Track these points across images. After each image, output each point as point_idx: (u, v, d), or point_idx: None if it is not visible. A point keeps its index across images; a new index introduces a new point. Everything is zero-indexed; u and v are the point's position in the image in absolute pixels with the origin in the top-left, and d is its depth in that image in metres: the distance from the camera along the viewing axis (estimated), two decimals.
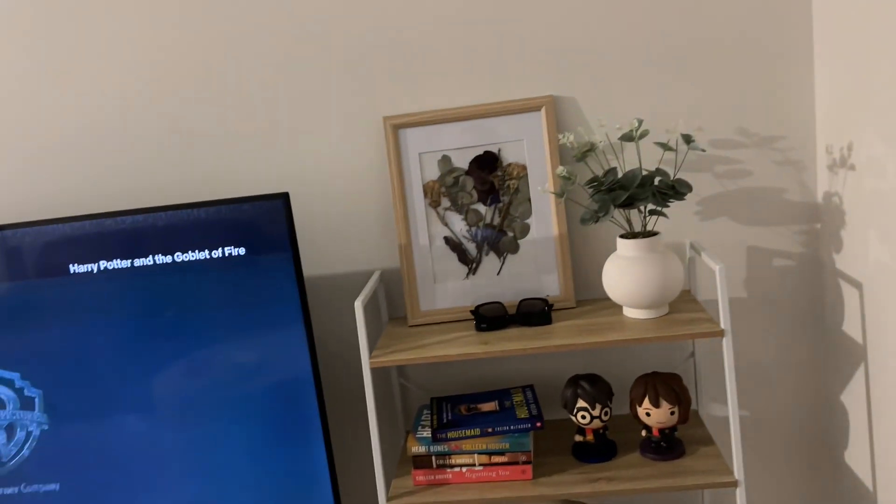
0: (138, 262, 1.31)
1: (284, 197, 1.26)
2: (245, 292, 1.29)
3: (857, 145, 1.23)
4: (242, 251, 1.28)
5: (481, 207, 1.44)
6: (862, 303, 1.28)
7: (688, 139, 1.26)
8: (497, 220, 1.44)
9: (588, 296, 1.46)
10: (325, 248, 1.49)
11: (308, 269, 1.50)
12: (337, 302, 1.51)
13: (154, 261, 1.30)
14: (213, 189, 1.48)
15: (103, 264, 1.31)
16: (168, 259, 1.30)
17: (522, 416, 1.33)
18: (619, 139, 1.31)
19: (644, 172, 1.26)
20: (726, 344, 1.21)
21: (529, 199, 1.42)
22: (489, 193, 1.43)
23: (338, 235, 1.48)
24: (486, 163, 1.43)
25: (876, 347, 1.25)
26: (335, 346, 1.53)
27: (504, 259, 1.44)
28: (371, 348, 1.31)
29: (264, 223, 1.27)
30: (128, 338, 1.33)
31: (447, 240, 1.44)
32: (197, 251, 1.29)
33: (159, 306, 1.32)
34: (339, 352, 1.53)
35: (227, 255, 1.28)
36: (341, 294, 1.50)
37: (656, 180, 1.26)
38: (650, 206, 1.27)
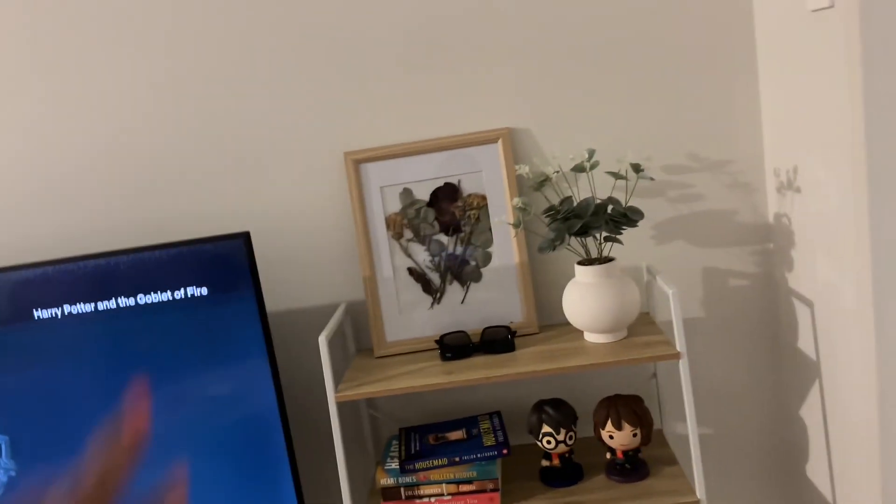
0: (102, 306, 1.31)
1: (245, 236, 1.28)
2: (209, 332, 1.30)
3: (801, 169, 1.28)
4: (205, 291, 1.29)
5: (443, 238, 1.46)
6: (813, 320, 1.31)
7: (637, 168, 1.29)
8: (459, 250, 1.46)
9: (551, 320, 1.49)
10: (290, 282, 1.51)
11: (274, 304, 1.51)
12: (304, 336, 1.52)
13: (118, 304, 1.31)
14: (177, 229, 1.49)
15: (67, 308, 1.32)
16: (131, 301, 1.30)
17: (489, 443, 1.34)
18: (571, 170, 1.34)
19: (598, 201, 1.29)
20: (683, 366, 1.24)
21: (490, 229, 1.45)
22: (451, 224, 1.46)
23: (303, 269, 1.50)
24: (447, 194, 1.46)
25: (828, 363, 1.29)
26: (304, 380, 1.54)
27: (467, 287, 1.47)
28: (338, 381, 1.32)
29: (226, 263, 1.28)
30: (94, 381, 1.34)
31: (411, 270, 1.47)
32: (160, 293, 1.30)
33: (124, 348, 1.32)
34: (309, 385, 1.54)
35: (189, 295, 1.30)
36: (308, 328, 1.52)
37: (609, 208, 1.29)
38: (604, 234, 1.31)
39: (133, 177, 1.48)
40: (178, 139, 1.47)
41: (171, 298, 1.30)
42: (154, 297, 1.30)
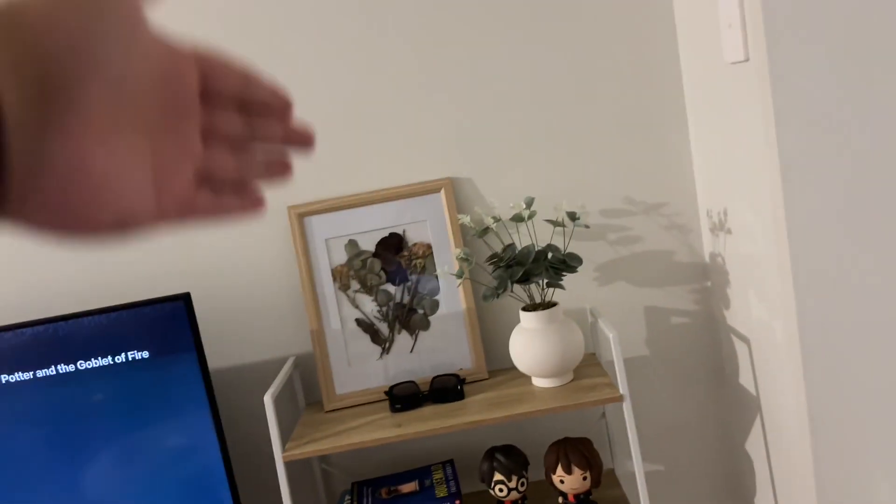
0: (41, 373, 1.28)
1: (186, 297, 1.27)
2: (151, 395, 1.28)
3: (731, 211, 1.33)
4: (146, 354, 1.28)
5: (390, 287, 1.47)
6: (751, 356, 1.35)
7: (572, 216, 1.33)
8: (407, 299, 1.47)
9: (500, 365, 1.50)
10: (236, 339, 1.49)
11: (220, 362, 1.50)
12: (252, 392, 1.51)
13: (57, 370, 1.28)
14: (116, 292, 1.47)
15: (4, 378, 1.28)
16: (71, 367, 1.28)
17: (442, 494, 1.34)
18: (510, 219, 1.37)
19: (537, 248, 1.32)
20: (626, 408, 1.26)
21: (437, 277, 1.47)
22: (397, 273, 1.47)
23: (249, 325, 1.49)
24: (393, 244, 1.47)
25: (766, 397, 1.32)
26: (254, 438, 1.52)
27: (416, 336, 1.48)
28: (287, 438, 1.31)
29: (167, 325, 1.27)
30: (35, 448, 1.30)
31: (359, 321, 1.47)
32: (100, 358, 1.28)
33: (65, 415, 1.29)
34: (259, 443, 1.52)
35: (130, 359, 1.28)
36: (256, 384, 1.50)
37: (549, 255, 1.32)
38: (546, 280, 1.33)
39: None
40: None
41: (111, 363, 1.28)
42: (94, 363, 1.28)
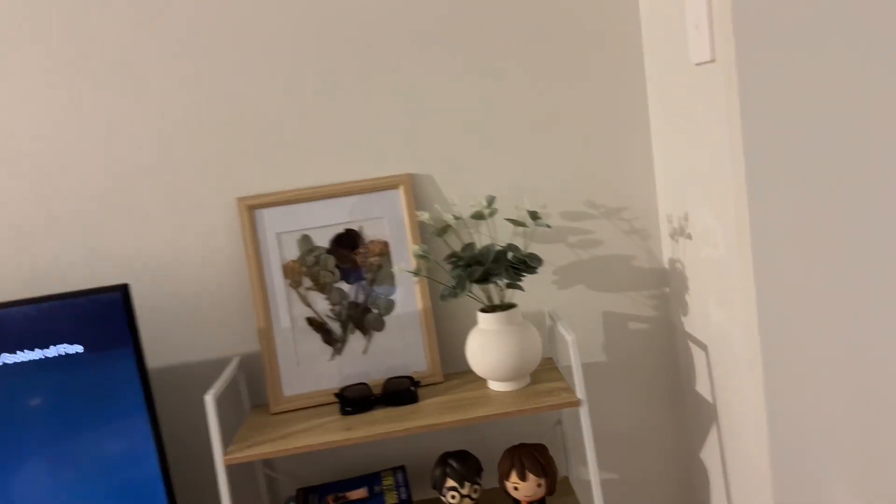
0: None
1: (123, 289, 1.19)
2: (84, 393, 1.20)
3: (692, 216, 1.32)
4: (80, 349, 1.19)
5: (345, 286, 1.42)
6: (709, 363, 1.34)
7: (534, 216, 1.30)
8: (361, 298, 1.42)
9: (456, 368, 1.46)
10: (178, 336, 1.42)
11: (160, 360, 1.42)
12: (193, 393, 1.43)
13: None
14: (48, 282, 1.38)
15: None
16: None
17: (392, 501, 1.29)
18: (471, 217, 1.34)
19: (497, 248, 1.28)
20: (583, 413, 1.23)
21: (393, 276, 1.42)
22: (352, 271, 1.42)
23: (191, 322, 1.42)
24: (348, 241, 1.42)
25: (724, 405, 1.31)
26: (194, 441, 1.44)
27: (370, 337, 1.42)
28: (228, 442, 1.24)
29: (103, 318, 1.19)
30: None
31: (310, 320, 1.41)
32: (29, 351, 1.19)
33: None
34: (199, 446, 1.44)
35: (63, 353, 1.19)
36: (198, 384, 1.43)
37: (509, 255, 1.29)
38: (506, 280, 1.30)
39: (3, 224, 1.37)
40: (49, 179, 1.37)
41: (42, 357, 1.19)
42: (23, 357, 1.19)
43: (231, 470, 1.20)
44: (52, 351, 1.19)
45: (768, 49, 1.04)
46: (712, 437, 1.39)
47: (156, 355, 1.42)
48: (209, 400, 1.18)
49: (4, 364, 1.19)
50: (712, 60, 1.12)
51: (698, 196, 1.27)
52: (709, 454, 1.42)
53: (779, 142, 1.06)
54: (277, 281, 1.39)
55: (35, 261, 1.38)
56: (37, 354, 1.19)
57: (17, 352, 1.19)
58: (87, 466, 1.22)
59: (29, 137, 1.36)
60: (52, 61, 1.34)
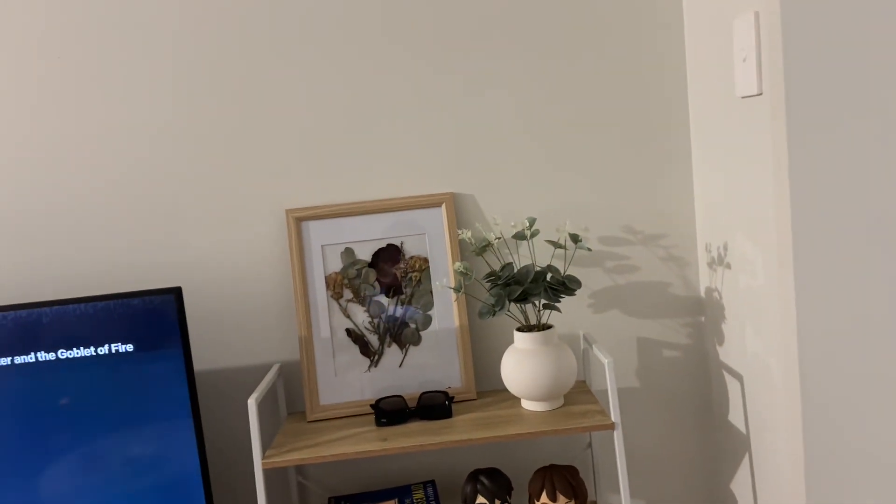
0: (20, 360, 1.24)
1: (177, 291, 1.24)
2: (133, 390, 1.24)
3: (731, 245, 1.33)
4: (130, 347, 1.24)
5: (384, 299, 1.45)
6: (743, 393, 1.34)
7: (575, 238, 1.32)
8: (399, 312, 1.45)
9: (489, 386, 1.47)
10: (222, 341, 1.46)
11: (204, 364, 1.46)
12: (233, 397, 1.47)
13: (36, 358, 1.24)
14: (106, 282, 1.43)
15: None
16: (51, 356, 1.24)
17: None
18: (512, 237, 1.36)
19: (537, 268, 1.31)
20: (617, 437, 1.24)
21: (431, 292, 1.45)
22: (392, 285, 1.45)
23: (236, 328, 1.46)
24: (389, 255, 1.45)
25: (757, 437, 1.31)
26: (230, 444, 1.48)
27: (406, 351, 1.45)
28: (266, 446, 1.27)
29: (155, 319, 1.23)
30: (8, 438, 1.25)
31: (349, 332, 1.44)
32: (82, 348, 1.23)
33: (41, 406, 1.25)
34: (234, 449, 1.48)
35: (114, 351, 1.24)
36: (238, 389, 1.46)
37: (548, 276, 1.31)
38: (543, 301, 1.32)
39: (63, 225, 1.43)
40: (113, 187, 1.43)
41: (94, 354, 1.24)
42: (76, 353, 1.23)
43: (265, 475, 1.22)
44: (105, 348, 1.24)
45: (816, 83, 1.06)
46: (744, 469, 1.38)
47: (198, 358, 1.46)
48: (252, 404, 1.21)
49: (58, 359, 1.24)
50: (759, 94, 1.14)
51: (738, 226, 1.28)
52: (739, 485, 1.41)
53: (824, 175, 1.07)
54: (320, 292, 1.43)
55: (94, 262, 1.43)
56: (90, 351, 1.24)
57: (73, 348, 1.23)
58: (128, 460, 1.26)
59: (91, 143, 1.42)
60: (112, 71, 1.40)
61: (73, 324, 1.23)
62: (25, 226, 1.42)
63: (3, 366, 1.24)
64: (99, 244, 1.43)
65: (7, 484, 1.25)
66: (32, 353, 1.24)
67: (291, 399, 1.47)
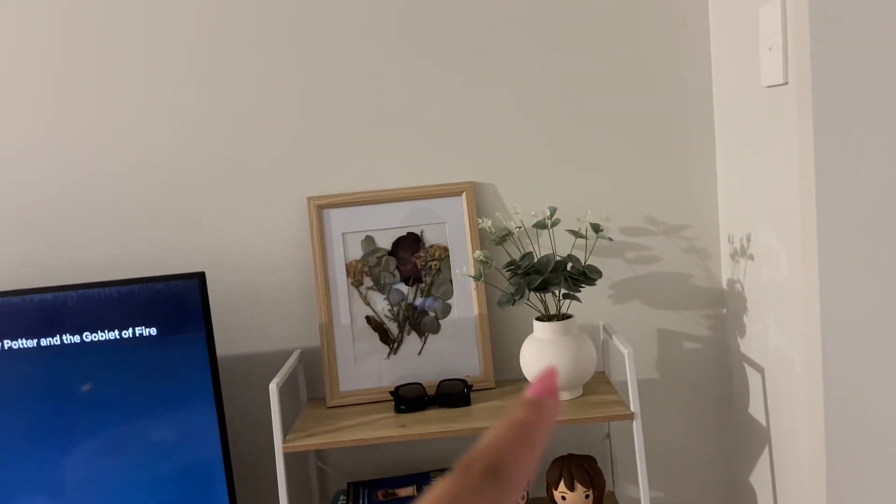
0: (45, 342, 1.26)
1: (200, 276, 1.25)
2: (156, 373, 1.26)
3: (754, 237, 1.32)
4: (154, 331, 1.25)
5: (403, 287, 1.46)
6: (764, 386, 1.33)
7: (596, 228, 1.32)
8: (419, 300, 1.46)
9: (508, 376, 1.48)
10: (243, 326, 1.47)
11: (225, 349, 1.47)
12: (255, 382, 1.48)
13: (62, 340, 1.26)
14: (129, 267, 1.45)
15: (7, 344, 1.26)
16: (76, 339, 1.26)
17: None
18: (533, 226, 1.36)
19: (557, 258, 1.30)
20: (636, 427, 1.24)
21: (451, 280, 1.45)
22: (411, 274, 1.46)
23: (257, 313, 1.47)
24: (409, 244, 1.46)
25: (778, 430, 1.30)
26: (251, 428, 1.49)
27: (425, 339, 1.46)
28: (287, 431, 1.28)
29: (178, 303, 1.25)
30: (32, 420, 1.27)
31: (369, 319, 1.45)
32: (107, 331, 1.25)
33: (65, 387, 1.27)
34: (254, 434, 1.49)
35: (138, 335, 1.25)
36: (259, 374, 1.48)
37: (568, 266, 1.31)
38: (563, 291, 1.31)
39: (90, 210, 1.45)
40: (136, 171, 1.44)
41: (118, 337, 1.26)
42: (100, 336, 1.25)
43: (286, 459, 1.24)
44: (129, 332, 1.26)
45: (844, 72, 1.04)
46: (763, 462, 1.38)
47: (219, 343, 1.47)
48: (273, 389, 1.23)
49: (83, 341, 1.26)
50: (785, 83, 1.13)
51: (762, 217, 1.27)
52: (758, 479, 1.41)
53: (850, 166, 1.06)
54: (340, 279, 1.44)
55: (119, 246, 1.45)
56: (114, 334, 1.25)
57: (98, 331, 1.25)
58: (150, 444, 1.28)
59: (118, 130, 1.43)
60: (137, 57, 1.42)
61: (99, 307, 1.25)
62: (54, 210, 1.45)
63: (29, 348, 1.26)
64: (125, 229, 1.45)
65: (31, 464, 1.28)
66: (58, 336, 1.26)
67: (311, 385, 1.48)
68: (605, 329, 1.46)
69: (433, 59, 1.42)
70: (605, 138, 1.44)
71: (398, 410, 1.34)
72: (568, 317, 1.33)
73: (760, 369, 1.34)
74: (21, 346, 1.26)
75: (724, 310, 1.48)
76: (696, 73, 1.42)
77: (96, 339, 1.26)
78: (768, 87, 1.19)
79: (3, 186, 1.44)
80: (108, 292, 1.25)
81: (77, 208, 1.45)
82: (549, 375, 0.36)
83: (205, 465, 1.28)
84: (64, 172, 1.44)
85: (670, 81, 1.43)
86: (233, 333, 1.47)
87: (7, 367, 1.26)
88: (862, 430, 1.12)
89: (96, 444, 1.28)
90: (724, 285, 1.47)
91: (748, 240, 1.34)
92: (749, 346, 1.38)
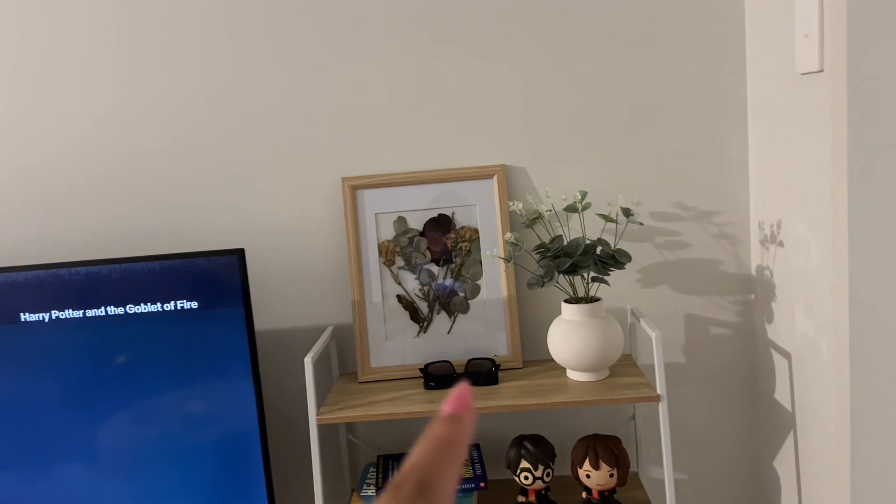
0: (91, 313, 1.31)
1: (240, 253, 1.29)
2: (196, 345, 1.31)
3: (785, 224, 1.32)
4: (195, 305, 1.30)
5: (434, 268, 1.49)
6: (791, 373, 1.34)
7: (627, 212, 1.33)
8: (449, 281, 1.48)
9: (535, 356, 1.50)
10: (278, 302, 1.52)
11: (260, 324, 1.52)
12: (288, 357, 1.53)
13: (106, 312, 1.31)
14: (170, 242, 1.50)
15: (55, 314, 1.32)
16: (120, 310, 1.31)
17: (467, 475, 1.35)
18: (563, 210, 1.38)
19: (587, 241, 1.32)
20: (662, 409, 1.26)
21: (480, 262, 1.48)
22: (442, 254, 1.48)
23: (292, 291, 1.51)
24: (440, 225, 1.48)
25: (803, 416, 1.31)
26: (284, 401, 1.54)
27: (455, 318, 1.49)
28: (320, 404, 1.32)
29: (219, 278, 1.29)
30: (76, 388, 1.33)
31: (400, 298, 1.48)
32: (149, 304, 1.30)
33: (109, 357, 1.32)
34: (288, 407, 1.54)
35: (179, 308, 1.30)
36: (293, 349, 1.52)
37: (598, 249, 1.32)
38: (592, 274, 1.33)
39: (131, 186, 1.50)
40: (179, 150, 1.49)
41: (160, 310, 1.31)
42: (143, 308, 1.30)
43: (318, 431, 1.28)
44: (171, 305, 1.30)
45: (880, 60, 1.04)
46: (787, 446, 1.39)
47: (256, 318, 1.52)
48: (308, 362, 1.27)
49: (126, 313, 1.31)
50: (820, 70, 1.13)
51: (793, 204, 1.27)
52: (782, 463, 1.42)
53: (884, 155, 1.06)
54: (373, 258, 1.47)
55: (163, 222, 1.50)
56: (157, 307, 1.30)
57: (141, 303, 1.30)
58: (188, 413, 1.33)
59: (163, 110, 1.48)
60: (178, 36, 1.45)
61: (142, 280, 1.30)
62: (101, 187, 1.50)
63: (74, 318, 1.32)
64: (168, 206, 1.50)
65: (73, 431, 1.33)
66: (102, 307, 1.31)
67: (343, 360, 1.52)
68: (632, 313, 1.47)
69: (467, 43, 1.44)
70: (637, 123, 1.45)
71: (427, 387, 1.38)
72: (596, 300, 1.34)
73: (787, 355, 1.35)
74: (67, 317, 1.32)
75: (753, 296, 1.49)
76: (731, 59, 1.42)
77: (139, 311, 1.31)
78: (803, 74, 1.19)
79: (55, 166, 1.49)
80: (151, 266, 1.30)
81: (125, 186, 1.49)
82: (463, 392, 0.38)
83: (241, 436, 1.33)
84: (111, 150, 1.49)
85: (704, 67, 1.43)
86: (268, 309, 1.52)
87: (53, 336, 1.32)
88: (889, 418, 1.13)
89: (136, 412, 1.33)
90: (753, 272, 1.48)
91: (778, 227, 1.34)
92: (776, 332, 1.39)
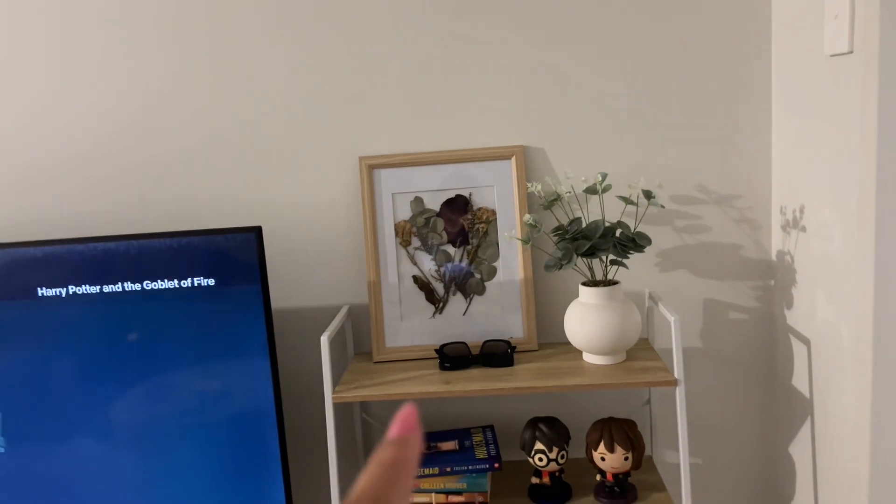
0: (107, 289, 1.32)
1: (257, 231, 1.29)
2: (212, 323, 1.31)
3: (808, 209, 1.30)
4: (212, 282, 1.30)
5: (450, 249, 1.48)
6: (809, 359, 1.33)
7: (648, 195, 1.31)
8: (465, 262, 1.48)
9: (551, 339, 1.50)
10: (294, 281, 1.51)
11: (276, 302, 1.52)
12: (304, 335, 1.53)
13: (123, 287, 1.31)
14: (187, 219, 1.50)
15: (72, 289, 1.32)
16: (137, 287, 1.31)
17: (481, 456, 1.35)
18: (583, 191, 1.36)
19: (606, 224, 1.31)
20: (679, 393, 1.25)
21: (497, 243, 1.47)
22: (459, 235, 1.48)
23: (308, 270, 1.51)
24: (458, 206, 1.47)
25: (821, 402, 1.30)
26: (300, 380, 1.55)
27: (470, 300, 1.48)
28: (335, 383, 1.33)
29: (236, 255, 1.29)
30: (92, 363, 1.34)
31: (416, 279, 1.48)
32: (166, 280, 1.30)
33: (125, 333, 1.33)
34: (304, 385, 1.55)
35: (196, 285, 1.30)
36: (309, 328, 1.53)
37: (617, 232, 1.31)
38: (611, 256, 1.32)
39: (148, 163, 1.49)
40: (197, 128, 1.48)
41: (177, 286, 1.31)
42: (160, 284, 1.30)
43: (334, 409, 1.28)
44: (188, 281, 1.30)
45: None
46: (804, 433, 1.38)
47: (272, 296, 1.52)
48: (324, 341, 1.27)
49: (143, 289, 1.32)
50: (850, 52, 1.10)
51: (817, 189, 1.25)
52: (798, 450, 1.41)
53: None
54: (389, 238, 1.47)
55: (181, 199, 1.50)
56: (174, 283, 1.30)
57: (158, 280, 1.30)
58: (205, 391, 1.34)
59: (181, 90, 1.47)
60: (197, 19, 1.44)
61: (159, 257, 1.30)
62: (121, 165, 1.49)
63: (92, 293, 1.32)
64: (187, 184, 1.49)
65: (90, 406, 1.34)
66: (120, 283, 1.32)
67: (358, 340, 1.53)
68: (650, 296, 1.46)
69: (486, 23, 1.42)
70: (659, 105, 1.43)
71: (442, 368, 1.37)
72: (614, 283, 1.33)
73: (807, 341, 1.34)
74: (85, 292, 1.32)
75: (773, 281, 1.47)
76: (756, 40, 1.40)
77: (156, 288, 1.31)
78: (832, 55, 1.16)
79: (76, 144, 1.49)
80: (168, 243, 1.30)
81: (143, 163, 1.49)
82: (409, 415, 0.39)
83: (257, 414, 1.34)
84: (134, 132, 1.48)
85: (729, 48, 1.40)
86: (284, 287, 1.52)
87: (71, 311, 1.32)
88: None
89: (151, 389, 1.34)
90: (774, 257, 1.46)
91: (801, 211, 1.33)
92: (796, 318, 1.38)
